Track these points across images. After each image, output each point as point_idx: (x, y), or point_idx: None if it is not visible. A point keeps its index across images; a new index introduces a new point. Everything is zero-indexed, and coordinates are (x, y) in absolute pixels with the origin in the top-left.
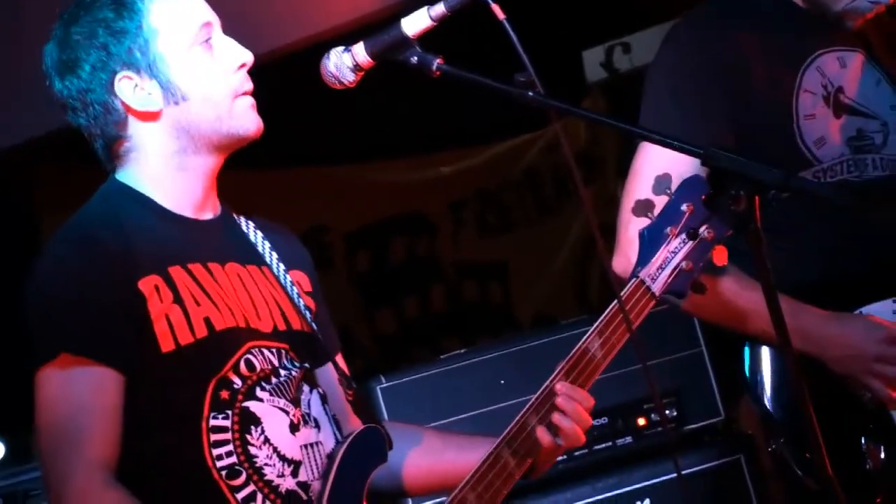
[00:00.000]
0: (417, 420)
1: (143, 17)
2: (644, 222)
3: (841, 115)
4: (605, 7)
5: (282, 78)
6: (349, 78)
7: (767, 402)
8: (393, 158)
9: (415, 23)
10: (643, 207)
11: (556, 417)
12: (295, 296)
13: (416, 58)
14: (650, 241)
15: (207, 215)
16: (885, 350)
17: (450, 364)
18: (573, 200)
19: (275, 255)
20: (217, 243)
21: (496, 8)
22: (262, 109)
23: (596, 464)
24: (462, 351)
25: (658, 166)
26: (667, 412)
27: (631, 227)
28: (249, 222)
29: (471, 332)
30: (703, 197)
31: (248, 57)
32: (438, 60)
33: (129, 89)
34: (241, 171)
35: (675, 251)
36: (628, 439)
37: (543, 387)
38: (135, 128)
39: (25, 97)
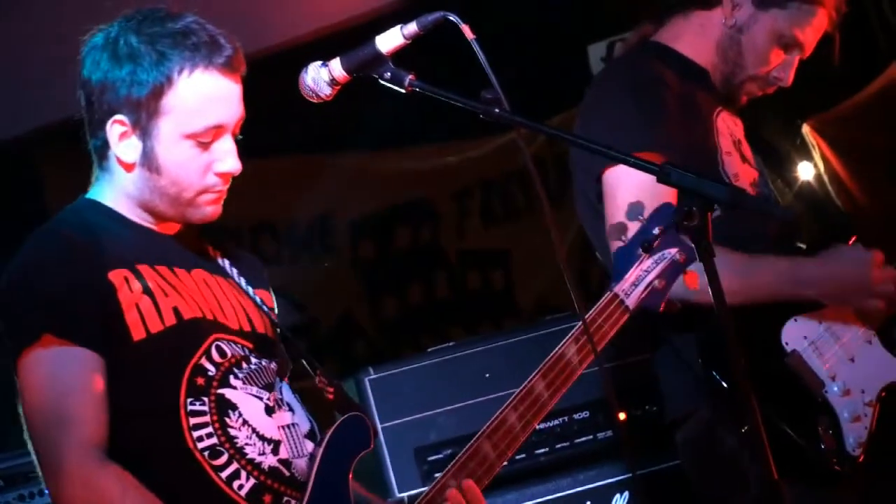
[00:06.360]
0: (404, 411)
1: (170, 88)
2: (619, 244)
3: (745, 163)
4: (610, 4)
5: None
6: (326, 91)
7: None
8: (399, 148)
9: (389, 40)
10: (618, 231)
11: None
12: (260, 303)
13: (389, 73)
14: (624, 260)
15: (173, 230)
16: (881, 272)
17: (437, 357)
18: None
19: (236, 272)
20: (183, 252)
21: (466, 28)
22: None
23: (577, 456)
24: (450, 344)
25: (630, 191)
26: None
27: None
28: (211, 246)
29: (473, 319)
30: (675, 222)
31: (236, 171)
32: (410, 77)
33: (117, 133)
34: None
35: (647, 270)
36: (609, 433)
37: (520, 389)
38: (113, 160)
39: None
